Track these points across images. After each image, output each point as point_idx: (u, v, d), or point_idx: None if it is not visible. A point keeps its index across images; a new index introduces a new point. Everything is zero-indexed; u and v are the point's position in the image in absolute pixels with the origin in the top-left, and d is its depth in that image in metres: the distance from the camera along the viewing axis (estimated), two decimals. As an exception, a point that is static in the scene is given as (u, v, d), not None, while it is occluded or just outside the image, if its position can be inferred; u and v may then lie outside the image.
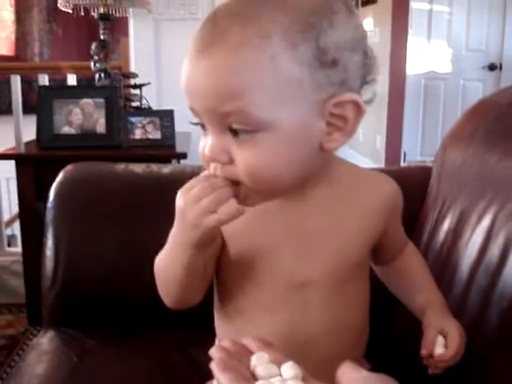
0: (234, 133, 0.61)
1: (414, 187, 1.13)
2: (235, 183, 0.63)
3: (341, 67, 0.61)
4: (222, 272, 0.76)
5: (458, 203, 1.01)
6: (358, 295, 0.78)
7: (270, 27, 0.58)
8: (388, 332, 1.07)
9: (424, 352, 0.76)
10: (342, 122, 0.64)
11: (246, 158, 0.61)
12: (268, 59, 0.58)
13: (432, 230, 1.05)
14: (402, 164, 4.72)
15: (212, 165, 0.64)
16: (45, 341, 1.07)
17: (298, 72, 0.59)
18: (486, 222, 0.90)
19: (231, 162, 0.62)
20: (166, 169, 1.19)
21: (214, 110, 0.60)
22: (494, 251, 0.86)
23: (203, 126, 0.65)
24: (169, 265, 0.71)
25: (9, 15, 4.23)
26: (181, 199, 0.63)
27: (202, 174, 0.65)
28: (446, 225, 1.01)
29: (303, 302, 0.73)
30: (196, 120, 0.65)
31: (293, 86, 0.60)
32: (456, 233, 0.98)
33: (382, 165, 4.60)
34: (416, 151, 5.02)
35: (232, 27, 0.59)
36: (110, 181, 1.16)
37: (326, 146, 0.64)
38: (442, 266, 0.95)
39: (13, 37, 4.25)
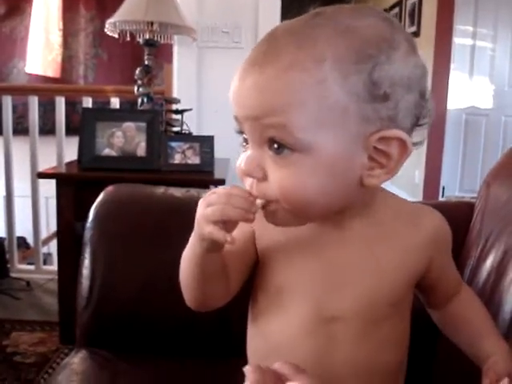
0: (273, 148, 0.61)
1: (456, 222, 1.10)
2: (270, 201, 0.63)
3: (392, 103, 0.60)
4: (255, 290, 0.76)
5: (501, 241, 0.98)
6: (394, 336, 0.74)
7: (325, 52, 0.58)
8: (427, 368, 1.04)
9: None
10: (386, 158, 0.62)
11: (280, 177, 0.61)
12: (316, 83, 0.58)
13: (474, 268, 1.03)
14: (441, 199, 4.65)
15: (248, 180, 0.64)
16: (76, 360, 1.07)
17: (344, 101, 0.59)
18: (532, 261, 0.88)
19: (265, 178, 0.62)
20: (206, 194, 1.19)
21: (256, 120, 0.61)
22: (540, 292, 0.84)
23: (245, 140, 0.65)
24: (187, 262, 0.71)
25: (56, 39, 4.34)
26: (202, 199, 0.64)
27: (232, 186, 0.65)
28: (489, 263, 0.99)
29: (330, 338, 0.70)
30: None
31: (337, 114, 0.59)
32: (499, 271, 0.95)
33: (420, 199, 4.53)
34: (455, 186, 4.95)
35: (288, 47, 0.59)
36: (149, 203, 1.16)
37: (366, 181, 0.63)
38: (485, 304, 0.92)
39: (59, 59, 4.36)
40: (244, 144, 0.66)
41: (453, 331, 0.84)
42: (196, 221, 0.64)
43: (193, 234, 0.68)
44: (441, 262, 0.78)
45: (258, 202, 0.62)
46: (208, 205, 0.62)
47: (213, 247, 0.65)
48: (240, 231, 0.68)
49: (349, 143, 0.61)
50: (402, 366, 0.78)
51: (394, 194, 0.76)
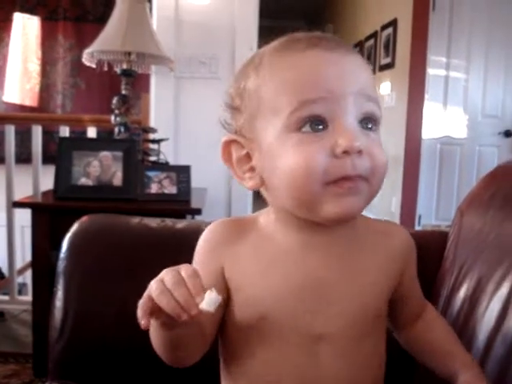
0: (365, 124, 0.65)
1: (430, 252, 1.11)
2: (364, 179, 0.64)
3: None
4: (228, 328, 0.74)
5: (475, 270, 0.99)
6: (376, 351, 0.75)
7: None
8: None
9: None
10: None
11: (376, 152, 0.65)
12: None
13: (448, 297, 1.03)
14: (417, 227, 4.68)
15: (348, 161, 0.62)
16: (49, 394, 1.05)
17: None
18: (504, 290, 0.89)
19: (362, 153, 0.64)
20: (181, 224, 1.19)
21: (362, 93, 0.65)
22: (512, 321, 0.84)
23: (321, 122, 0.64)
24: (151, 327, 0.66)
25: (34, 67, 4.34)
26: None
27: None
28: (463, 292, 0.99)
29: (314, 356, 0.70)
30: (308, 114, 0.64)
31: None
32: (473, 301, 0.96)
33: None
34: (431, 215, 4.99)
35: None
36: (123, 234, 1.16)
37: None
38: (459, 334, 0.92)
39: (37, 88, 4.35)
40: (319, 127, 0.64)
41: (421, 352, 0.84)
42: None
43: None
44: (409, 274, 0.80)
45: (203, 307, 0.59)
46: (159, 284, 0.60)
47: (166, 326, 0.63)
48: (208, 273, 0.68)
49: None
50: (381, 380, 0.78)
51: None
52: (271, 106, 0.66)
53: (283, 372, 0.70)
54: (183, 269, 0.60)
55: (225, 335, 0.75)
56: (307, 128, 0.63)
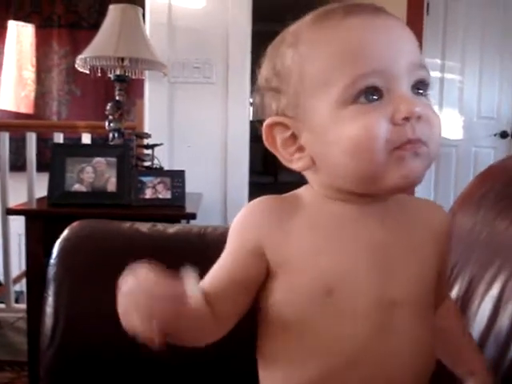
0: (417, 90, 0.66)
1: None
2: (423, 143, 0.63)
3: None
4: (269, 314, 0.69)
5: (467, 270, 0.99)
6: (432, 329, 0.72)
7: None
8: None
9: None
10: None
11: (433, 116, 0.65)
12: None
13: (440, 297, 1.03)
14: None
15: (409, 126, 0.62)
16: (41, 401, 1.05)
17: None
18: (495, 290, 0.88)
19: (423, 121, 0.63)
20: (172, 229, 1.18)
21: (414, 59, 0.65)
22: (504, 320, 0.84)
23: (376, 92, 0.63)
24: None
25: (29, 74, 4.34)
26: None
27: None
28: (455, 292, 0.99)
29: (387, 325, 0.66)
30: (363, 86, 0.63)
31: None
32: (465, 301, 0.96)
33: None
34: (428, 217, 4.99)
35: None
36: (114, 239, 1.15)
37: None
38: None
39: (32, 96, 4.34)
40: (375, 97, 0.63)
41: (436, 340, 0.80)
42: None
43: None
44: (447, 252, 0.78)
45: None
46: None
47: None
48: (240, 255, 0.67)
49: None
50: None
51: None
52: (320, 82, 0.64)
53: (356, 348, 0.66)
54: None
55: (270, 320, 0.70)
56: (362, 99, 0.62)
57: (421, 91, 0.66)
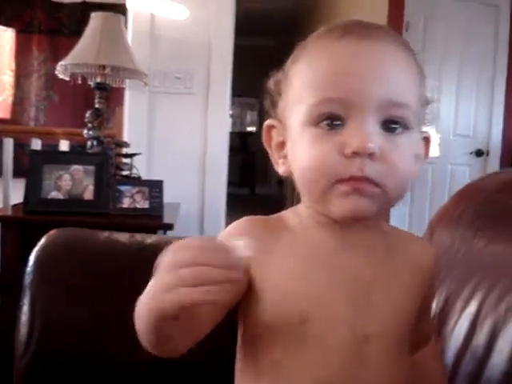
0: (386, 127, 0.63)
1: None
2: (372, 183, 0.62)
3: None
4: (247, 333, 0.69)
5: (444, 287, 1.00)
6: (408, 359, 0.72)
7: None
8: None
9: None
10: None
11: (398, 156, 0.63)
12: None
13: (418, 314, 1.03)
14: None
15: (357, 162, 0.61)
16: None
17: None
18: (473, 308, 0.89)
19: (377, 158, 0.61)
20: (150, 239, 1.17)
21: (388, 96, 0.63)
22: (481, 338, 0.85)
23: (338, 119, 0.62)
24: (142, 320, 0.60)
25: (8, 79, 4.31)
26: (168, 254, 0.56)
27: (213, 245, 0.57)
28: (432, 309, 1.00)
29: (362, 360, 0.65)
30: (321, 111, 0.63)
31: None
32: (441, 318, 0.96)
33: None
34: (403, 233, 5.02)
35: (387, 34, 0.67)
36: (92, 248, 1.14)
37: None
38: (427, 351, 0.93)
39: (10, 100, 4.31)
40: (336, 124, 0.62)
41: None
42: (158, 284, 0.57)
43: (150, 292, 0.58)
44: (431, 290, 0.78)
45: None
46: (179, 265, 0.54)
47: (176, 316, 0.56)
48: None
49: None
50: None
51: None
52: (298, 96, 0.66)
53: (331, 375, 0.65)
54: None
55: (247, 339, 0.70)
56: (324, 124, 0.63)
57: (393, 128, 0.64)
